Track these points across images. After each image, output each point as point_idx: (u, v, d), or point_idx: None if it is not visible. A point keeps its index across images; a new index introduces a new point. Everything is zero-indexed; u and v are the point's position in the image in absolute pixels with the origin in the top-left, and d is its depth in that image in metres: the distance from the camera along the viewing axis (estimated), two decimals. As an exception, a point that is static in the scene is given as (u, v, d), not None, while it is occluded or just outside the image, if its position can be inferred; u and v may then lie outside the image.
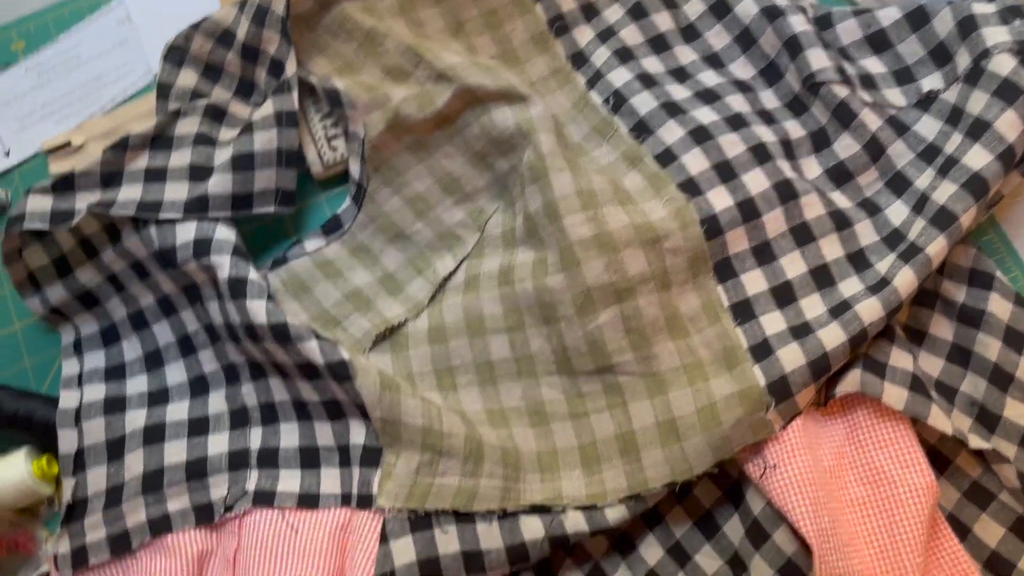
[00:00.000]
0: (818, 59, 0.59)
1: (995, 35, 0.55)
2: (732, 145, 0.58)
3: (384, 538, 0.53)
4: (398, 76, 0.63)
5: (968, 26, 0.57)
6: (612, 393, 0.56)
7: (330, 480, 0.57)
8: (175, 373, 0.62)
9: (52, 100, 0.70)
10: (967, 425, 0.55)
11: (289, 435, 0.58)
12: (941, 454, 0.55)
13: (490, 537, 0.53)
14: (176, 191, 0.60)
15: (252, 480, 0.57)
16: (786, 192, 0.57)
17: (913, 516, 0.51)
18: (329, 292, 0.61)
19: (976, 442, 0.52)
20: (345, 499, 0.56)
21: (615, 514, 0.53)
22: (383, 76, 0.64)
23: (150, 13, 0.71)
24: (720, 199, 0.56)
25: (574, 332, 0.55)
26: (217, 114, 0.64)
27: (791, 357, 0.53)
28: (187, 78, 0.65)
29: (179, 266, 0.58)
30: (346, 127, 0.63)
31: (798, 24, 0.60)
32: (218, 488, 0.57)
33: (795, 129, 0.60)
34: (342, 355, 0.54)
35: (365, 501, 0.55)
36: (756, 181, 0.57)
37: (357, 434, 0.57)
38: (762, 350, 0.54)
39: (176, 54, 0.65)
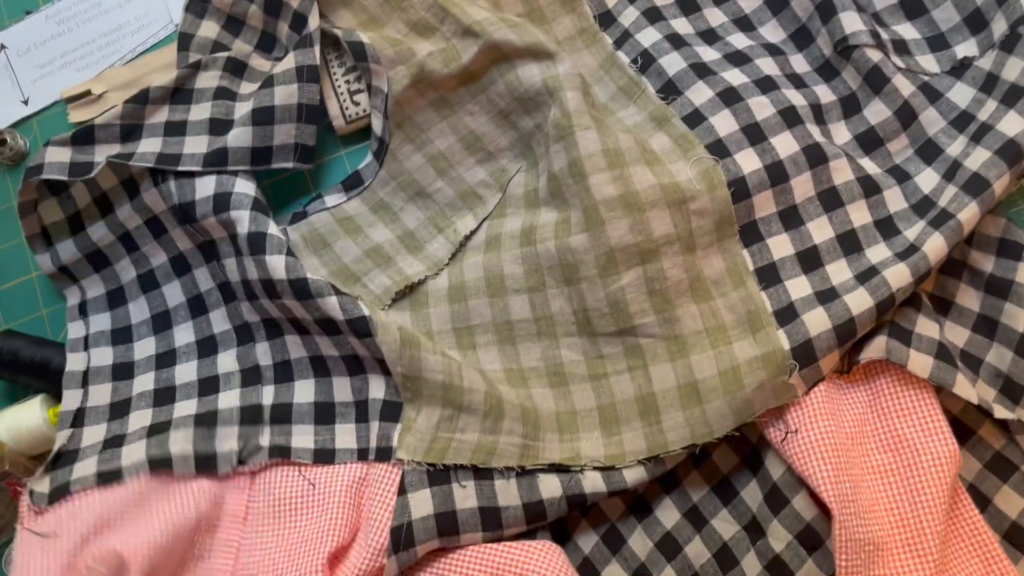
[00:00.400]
0: (851, 22, 0.57)
1: None
2: (762, 107, 0.56)
3: (402, 490, 0.52)
4: (423, 31, 0.62)
5: None
6: (633, 355, 0.55)
7: (345, 435, 0.56)
8: (183, 334, 0.61)
9: (72, 49, 0.69)
10: (992, 396, 0.54)
11: (304, 391, 0.58)
12: (964, 424, 0.54)
13: (508, 494, 0.52)
14: (196, 144, 0.59)
15: (265, 436, 0.56)
16: (815, 156, 0.55)
17: (935, 484, 0.50)
18: (349, 248, 0.60)
19: (1001, 412, 0.51)
20: (362, 454, 0.55)
21: (633, 475, 0.53)
22: (408, 31, 0.62)
23: None
24: (748, 161, 0.55)
25: (596, 293, 0.54)
26: (238, 68, 0.62)
27: (816, 322, 0.51)
28: (208, 29, 0.63)
29: (198, 220, 0.57)
30: (369, 81, 0.61)
31: None
32: (226, 441, 0.56)
33: (825, 94, 0.58)
34: (362, 311, 0.53)
35: (384, 454, 0.54)
36: (785, 144, 0.55)
37: (377, 389, 0.56)
38: (787, 314, 0.53)
39: (198, 5, 0.63)
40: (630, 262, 0.54)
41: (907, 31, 0.60)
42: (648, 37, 0.61)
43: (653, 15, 0.62)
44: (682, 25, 0.62)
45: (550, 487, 0.52)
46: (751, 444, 0.55)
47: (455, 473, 0.53)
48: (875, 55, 0.56)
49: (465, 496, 0.52)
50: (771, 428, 0.52)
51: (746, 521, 0.53)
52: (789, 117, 0.56)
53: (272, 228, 0.56)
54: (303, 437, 0.56)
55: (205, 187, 0.57)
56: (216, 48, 0.63)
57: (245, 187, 0.57)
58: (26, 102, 0.69)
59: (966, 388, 0.50)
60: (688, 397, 0.53)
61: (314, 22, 0.61)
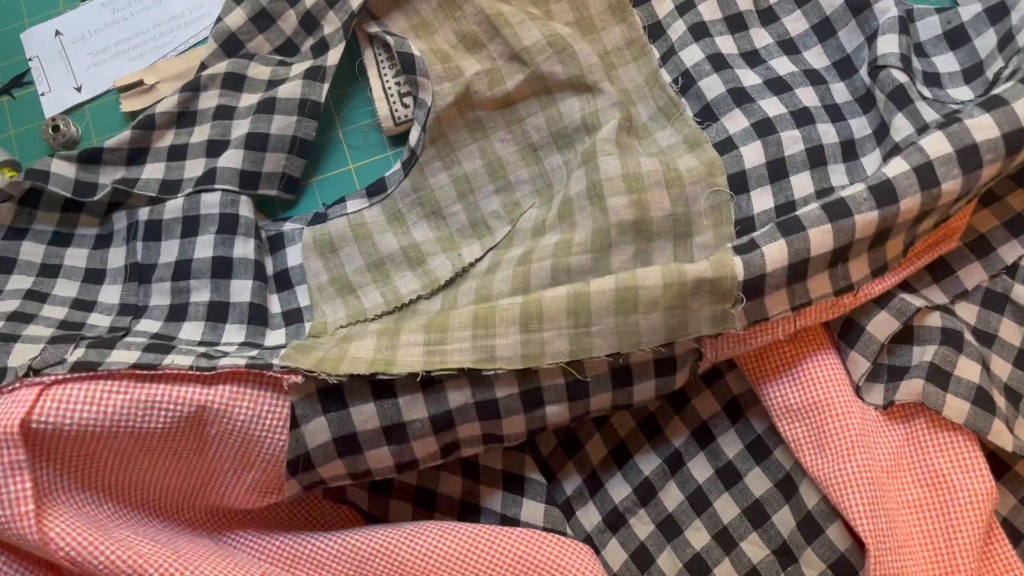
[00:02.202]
0: (887, 44, 0.54)
1: None
2: (792, 143, 0.53)
3: (295, 423, 0.45)
4: (471, 45, 0.59)
5: None
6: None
7: (191, 330, 0.53)
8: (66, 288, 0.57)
9: (126, 38, 0.67)
10: None
11: (191, 330, 0.54)
12: (1000, 459, 0.51)
13: (412, 407, 0.46)
14: (194, 168, 0.58)
15: (77, 353, 0.46)
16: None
17: (971, 520, 0.48)
18: (354, 256, 0.58)
19: None
20: (199, 366, 0.46)
21: (549, 379, 0.47)
22: (457, 41, 0.60)
23: None
24: (761, 200, 0.53)
25: None
26: (236, 82, 0.60)
27: (775, 255, 0.47)
28: (235, 18, 0.61)
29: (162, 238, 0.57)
30: (415, 93, 0.59)
31: (884, 12, 0.55)
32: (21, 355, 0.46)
33: (861, 127, 0.55)
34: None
35: (255, 366, 0.46)
36: (801, 185, 0.53)
37: (241, 292, 0.55)
38: (748, 246, 0.48)
39: None
40: None
41: (947, 63, 0.56)
42: (691, 56, 0.58)
43: (699, 31, 0.59)
44: (727, 44, 0.59)
45: (458, 395, 0.46)
46: (784, 469, 0.53)
47: (351, 394, 0.45)
48: (901, 76, 0.53)
49: (365, 419, 0.45)
50: (803, 452, 0.50)
51: (776, 546, 0.51)
52: (815, 156, 0.53)
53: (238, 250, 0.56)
54: (128, 353, 0.47)
55: (174, 207, 0.56)
56: (232, 42, 0.61)
57: (215, 203, 0.56)
58: (79, 89, 0.67)
59: (1002, 435, 0.48)
60: (625, 303, 0.47)
61: (334, 57, 0.60)
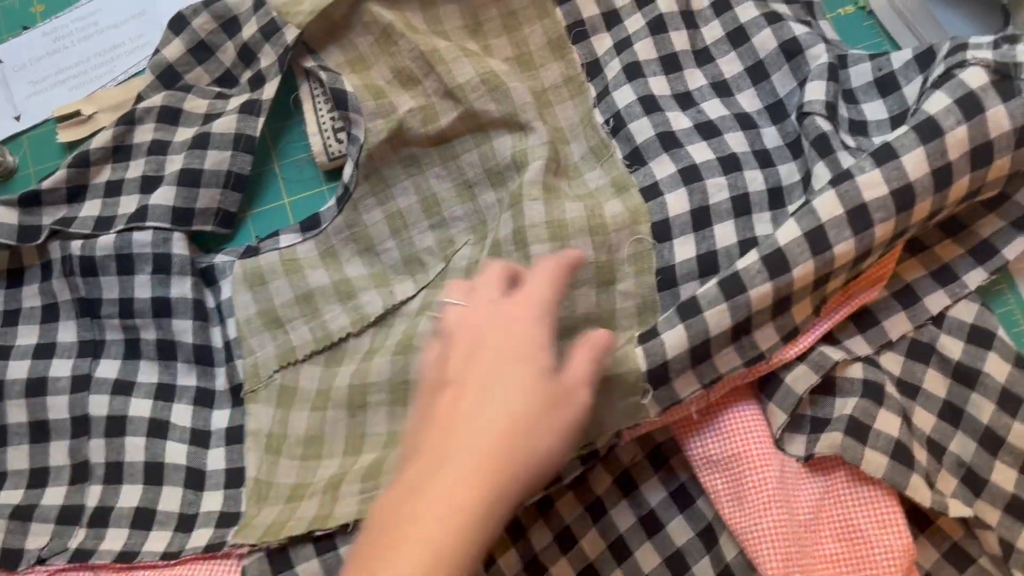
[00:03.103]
0: (813, 91, 0.52)
1: (978, 51, 0.48)
2: (718, 190, 0.52)
3: None
4: (407, 81, 0.58)
5: (959, 47, 0.50)
6: None
7: (156, 541, 0.51)
8: (16, 413, 0.54)
9: (67, 67, 0.65)
10: (953, 486, 0.50)
11: (130, 496, 0.53)
12: (923, 513, 0.50)
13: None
14: (128, 204, 0.57)
15: (77, 538, 0.51)
16: (749, 249, 0.50)
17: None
18: (283, 290, 0.56)
19: (957, 510, 0.47)
20: (167, 556, 0.50)
21: None
22: (392, 76, 0.58)
23: None
24: (684, 249, 0.51)
25: None
26: (172, 115, 0.59)
27: (674, 341, 0.46)
28: (173, 50, 0.60)
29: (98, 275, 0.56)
30: (348, 129, 0.57)
31: (815, 58, 0.54)
32: (37, 538, 0.51)
33: (790, 173, 0.54)
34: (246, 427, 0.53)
35: (215, 549, 0.50)
36: (724, 234, 0.51)
37: (212, 503, 0.52)
38: (650, 334, 0.47)
39: (178, 23, 0.60)
40: None
41: (876, 110, 0.55)
42: (623, 97, 0.56)
43: (633, 71, 0.57)
44: (660, 84, 0.57)
45: None
46: (707, 519, 0.51)
47: (295, 554, 0.47)
48: (825, 125, 0.51)
49: (312, 574, 0.47)
50: (722, 504, 0.49)
51: None
52: (740, 205, 0.52)
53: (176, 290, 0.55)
54: (114, 541, 0.51)
55: (105, 244, 0.55)
56: (169, 73, 0.60)
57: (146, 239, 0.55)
58: (18, 118, 0.65)
59: (920, 491, 0.46)
60: None
61: (270, 91, 0.58)
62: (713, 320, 0.46)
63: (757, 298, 0.46)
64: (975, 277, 0.52)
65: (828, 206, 0.46)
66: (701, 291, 0.47)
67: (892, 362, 0.52)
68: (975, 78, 0.47)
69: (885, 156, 0.46)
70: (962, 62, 0.48)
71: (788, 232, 0.46)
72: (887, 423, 0.48)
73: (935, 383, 0.52)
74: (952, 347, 0.51)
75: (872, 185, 0.46)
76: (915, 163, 0.46)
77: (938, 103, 0.46)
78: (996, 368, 0.50)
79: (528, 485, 0.37)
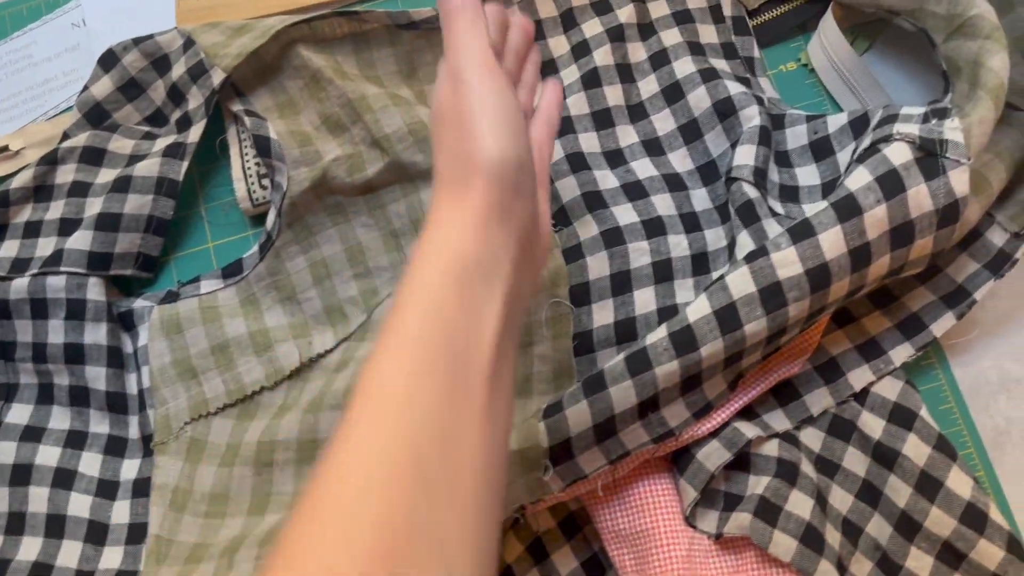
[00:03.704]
0: (742, 155, 0.51)
1: (906, 125, 0.46)
2: (640, 255, 0.50)
3: None
4: (334, 128, 0.56)
5: (889, 118, 0.48)
6: None
7: None
8: None
9: None
10: (867, 569, 0.48)
11: (29, 549, 0.51)
12: None
13: None
14: (45, 247, 0.54)
15: None
16: (668, 316, 0.49)
17: None
18: (199, 339, 0.54)
19: None
20: None
21: None
22: (321, 122, 0.56)
23: (105, 20, 0.63)
24: (602, 314, 0.49)
25: None
26: (95, 156, 0.57)
27: (578, 419, 0.45)
28: (101, 87, 0.58)
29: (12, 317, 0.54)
30: (272, 176, 0.55)
31: (748, 119, 0.52)
32: None
33: (716, 238, 0.52)
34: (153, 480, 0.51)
35: None
36: (644, 300, 0.49)
37: (111, 560, 0.50)
38: (553, 408, 0.46)
39: (109, 60, 0.58)
40: None
41: (809, 175, 0.53)
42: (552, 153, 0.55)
43: (564, 126, 0.55)
44: (590, 141, 0.55)
45: None
46: None
47: None
48: (751, 191, 0.49)
49: None
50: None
51: None
52: (661, 270, 0.50)
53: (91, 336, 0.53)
54: None
55: (19, 287, 0.53)
56: (97, 111, 0.58)
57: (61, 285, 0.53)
58: None
59: None
60: None
61: (195, 134, 0.57)
62: (618, 396, 0.44)
63: (663, 376, 0.44)
64: (901, 353, 0.50)
65: (740, 283, 0.44)
66: (608, 366, 0.45)
67: (812, 438, 0.50)
68: (899, 154, 0.45)
69: (802, 233, 0.44)
70: (888, 136, 0.46)
71: (698, 309, 0.44)
72: (798, 505, 0.46)
73: (855, 462, 0.50)
74: (874, 425, 0.49)
75: (787, 263, 0.44)
76: (832, 242, 0.44)
77: (859, 179, 0.44)
78: (915, 450, 0.48)
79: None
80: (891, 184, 0.44)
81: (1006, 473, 0.51)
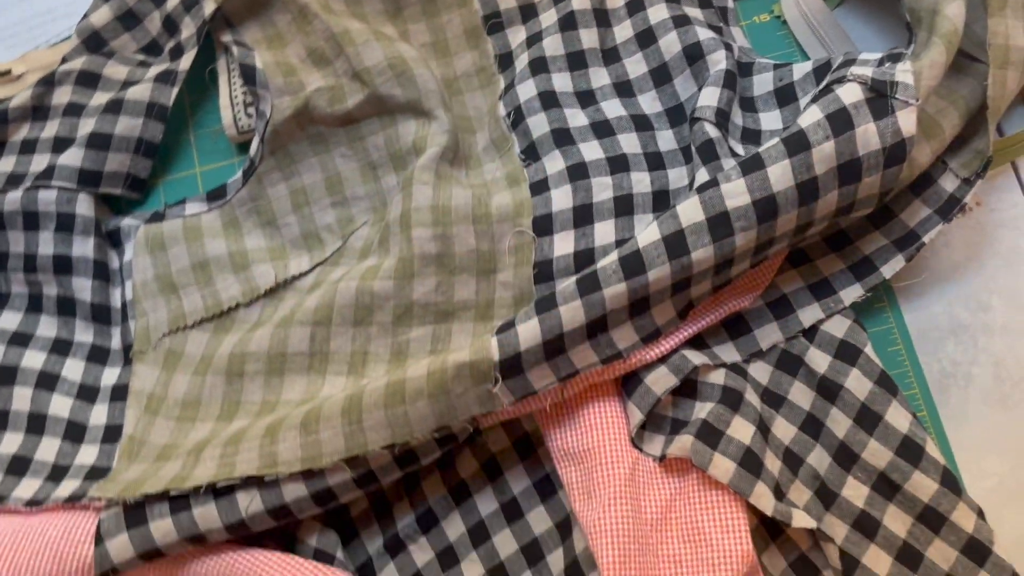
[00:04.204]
0: (706, 97, 0.51)
1: (860, 68, 0.46)
2: (602, 189, 0.51)
3: (99, 539, 0.47)
4: (319, 60, 0.57)
5: (847, 63, 0.48)
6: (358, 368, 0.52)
7: (26, 489, 0.51)
8: None
9: (2, 27, 0.66)
10: (806, 498, 0.49)
11: (10, 443, 0.53)
12: (776, 522, 0.49)
13: (207, 518, 0.46)
14: (39, 163, 0.56)
15: None
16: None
17: None
18: (181, 256, 0.55)
19: (801, 520, 0.45)
20: (31, 503, 0.50)
21: (335, 477, 0.47)
22: (306, 55, 0.57)
23: None
24: (563, 244, 0.50)
25: (383, 339, 0.50)
26: (90, 79, 0.58)
27: (528, 335, 0.46)
28: (100, 16, 0.59)
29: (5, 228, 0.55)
30: (256, 104, 0.57)
31: (715, 64, 0.53)
32: None
33: (679, 177, 0.52)
34: (131, 386, 0.53)
35: (75, 499, 0.49)
36: (603, 232, 0.50)
37: (87, 455, 0.52)
38: (506, 326, 0.47)
39: None
40: (425, 319, 0.50)
41: (772, 120, 0.53)
42: (525, 91, 0.55)
43: (538, 65, 0.56)
44: (563, 81, 0.56)
45: (246, 501, 0.46)
46: (566, 511, 0.51)
47: (151, 510, 0.46)
48: (712, 131, 0.50)
49: (165, 532, 0.46)
50: (574, 497, 0.48)
51: None
52: (622, 205, 0.51)
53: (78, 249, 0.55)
54: None
55: (12, 200, 0.55)
56: (95, 39, 0.59)
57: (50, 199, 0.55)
58: None
59: (763, 499, 0.45)
60: (392, 396, 0.46)
61: (186, 63, 0.58)
62: (567, 315, 0.45)
63: (611, 297, 0.45)
64: (851, 293, 0.51)
65: (690, 212, 0.45)
66: (560, 287, 0.46)
67: (761, 371, 0.51)
68: (850, 94, 0.45)
69: (751, 166, 0.45)
70: (842, 78, 0.46)
71: (648, 235, 0.45)
72: (739, 430, 0.47)
73: (800, 395, 0.51)
74: (820, 360, 0.50)
75: (735, 194, 0.45)
76: (779, 175, 0.45)
77: (810, 117, 0.45)
78: (857, 385, 0.49)
79: None
80: (840, 122, 0.45)
81: (949, 415, 0.52)
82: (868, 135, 0.45)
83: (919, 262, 0.53)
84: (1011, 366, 0.52)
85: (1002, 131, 0.56)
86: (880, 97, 0.45)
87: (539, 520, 0.51)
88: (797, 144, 0.45)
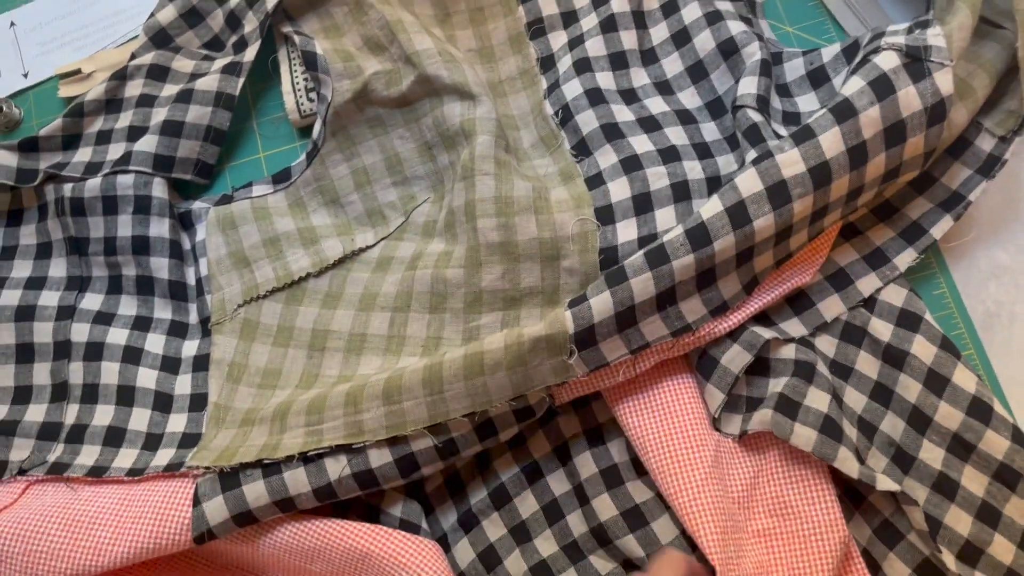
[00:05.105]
0: (746, 86, 0.46)
1: (893, 38, 0.42)
2: (657, 178, 0.45)
3: (196, 501, 0.41)
4: (374, 48, 0.52)
5: (877, 36, 0.43)
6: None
7: (124, 458, 0.45)
8: (4, 335, 0.49)
9: (73, 30, 0.59)
10: (883, 464, 0.42)
11: (103, 415, 0.47)
12: (857, 491, 0.42)
13: (297, 482, 0.41)
14: (116, 151, 0.51)
15: (55, 452, 0.46)
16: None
17: (818, 550, 0.38)
18: (252, 233, 0.49)
19: (885, 483, 0.39)
20: (132, 472, 0.44)
21: (418, 444, 0.41)
22: (363, 44, 0.52)
23: None
24: (627, 231, 0.44)
25: (456, 325, 0.45)
26: (160, 73, 0.53)
27: (601, 307, 0.40)
28: (166, 14, 0.53)
29: (86, 215, 0.49)
30: (318, 88, 0.51)
31: (750, 56, 0.47)
32: (20, 451, 0.46)
33: (728, 163, 0.47)
34: (212, 355, 0.47)
35: (173, 468, 0.44)
36: (665, 218, 0.44)
37: (176, 424, 0.46)
38: (580, 298, 0.41)
39: None
40: (494, 305, 0.44)
41: (808, 102, 0.48)
42: (571, 90, 0.49)
43: (582, 66, 0.50)
44: (607, 80, 0.50)
45: (336, 468, 0.41)
46: (633, 501, 0.42)
47: (244, 474, 0.42)
48: (756, 116, 0.45)
49: (257, 495, 0.41)
50: (661, 482, 0.39)
51: (621, 560, 0.40)
52: (679, 191, 0.45)
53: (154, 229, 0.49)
54: (87, 456, 0.46)
55: (92, 186, 0.49)
56: (161, 36, 0.53)
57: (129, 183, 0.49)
58: (26, 75, 0.59)
59: (848, 462, 0.39)
60: (472, 368, 0.41)
61: (251, 54, 0.51)
62: (638, 287, 0.40)
63: (680, 268, 0.40)
64: (905, 258, 0.46)
65: (748, 183, 0.40)
66: (628, 261, 0.41)
67: (827, 344, 0.45)
68: (887, 61, 0.41)
69: (803, 136, 0.41)
70: (877, 48, 0.42)
71: (711, 207, 0.41)
72: (816, 400, 0.40)
73: (866, 364, 0.44)
74: (883, 330, 0.44)
75: (791, 163, 0.40)
76: (831, 142, 0.40)
77: (853, 86, 0.41)
78: (922, 350, 0.43)
79: None
80: (882, 87, 0.40)
81: (996, 352, 0.46)
82: (910, 97, 0.40)
83: (964, 222, 0.47)
84: (1052, 302, 0.48)
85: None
86: (916, 62, 0.41)
87: (605, 507, 0.43)
88: (844, 112, 0.41)
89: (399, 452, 0.41)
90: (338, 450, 0.41)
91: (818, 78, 0.48)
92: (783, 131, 0.46)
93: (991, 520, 0.40)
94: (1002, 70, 0.45)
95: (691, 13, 0.50)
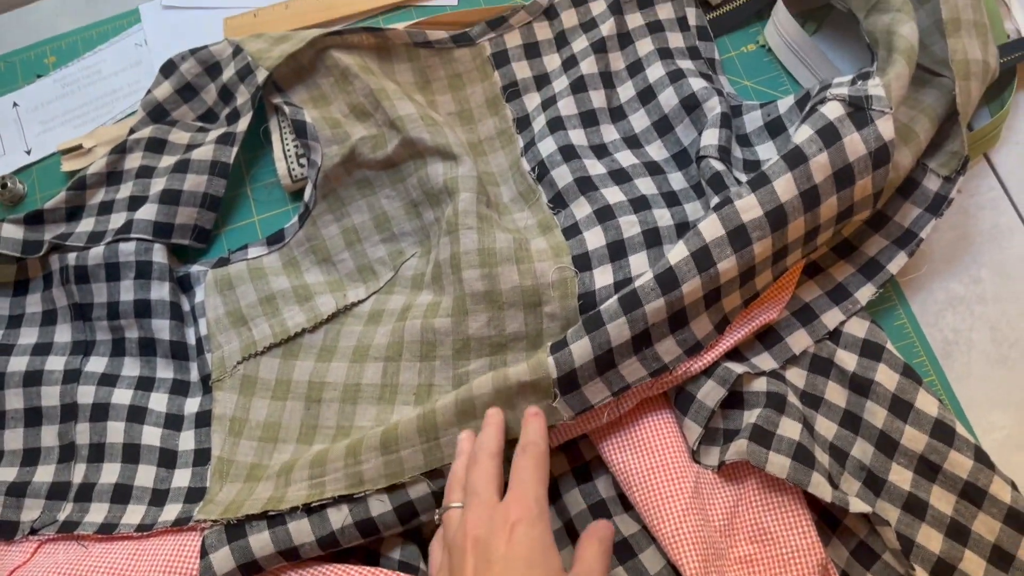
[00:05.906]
0: (708, 137, 0.48)
1: (837, 89, 0.44)
2: (630, 226, 0.47)
3: (204, 552, 0.42)
4: (360, 115, 0.53)
5: (824, 87, 0.45)
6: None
7: (133, 514, 0.46)
8: (13, 400, 0.49)
9: (73, 108, 0.60)
10: (856, 488, 0.43)
11: (110, 473, 0.47)
12: (832, 514, 0.43)
13: (301, 532, 0.42)
14: (117, 221, 0.52)
15: (65, 511, 0.46)
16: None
17: (797, 574, 0.39)
18: (248, 292, 0.50)
19: (858, 506, 0.40)
20: (141, 528, 0.45)
21: (416, 491, 0.41)
22: (349, 111, 0.53)
23: (163, 39, 0.60)
24: (603, 277, 0.45)
25: (445, 372, 0.45)
26: (158, 145, 0.54)
27: (580, 352, 0.41)
28: (163, 91, 0.55)
29: (89, 281, 0.50)
30: (308, 154, 0.52)
31: (711, 109, 0.49)
32: (30, 511, 0.46)
33: (695, 211, 0.48)
34: (213, 411, 0.47)
35: (181, 523, 0.44)
36: (638, 263, 0.45)
37: (181, 479, 0.47)
38: (560, 344, 0.42)
39: (169, 67, 0.55)
40: (481, 351, 0.45)
41: (767, 150, 0.50)
42: (546, 147, 0.51)
43: (556, 124, 0.52)
44: (579, 136, 0.52)
45: (338, 517, 0.42)
46: (622, 535, 0.43)
47: (250, 526, 0.42)
48: (718, 165, 0.47)
49: (263, 546, 0.41)
50: (645, 515, 0.40)
51: None
52: (651, 238, 0.46)
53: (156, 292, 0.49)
54: (96, 514, 0.46)
55: (96, 254, 0.50)
56: (158, 110, 0.55)
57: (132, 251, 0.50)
58: (29, 152, 0.60)
59: (821, 487, 0.40)
60: (464, 413, 0.42)
61: (243, 124, 0.53)
62: (614, 332, 0.41)
63: (652, 311, 0.41)
64: (866, 292, 0.46)
65: (711, 228, 0.42)
66: (604, 306, 0.42)
67: (797, 376, 0.46)
68: (833, 111, 0.43)
69: (759, 182, 0.42)
70: (823, 99, 0.44)
71: (677, 253, 0.42)
72: (788, 429, 0.41)
73: (835, 394, 0.45)
74: (848, 360, 0.45)
75: (749, 208, 0.41)
76: (784, 187, 0.42)
77: (803, 134, 0.43)
78: (886, 378, 0.44)
79: None
80: (829, 134, 0.42)
81: (956, 377, 0.47)
82: (855, 143, 0.42)
83: (919, 257, 0.49)
84: (1006, 329, 0.48)
85: (971, 127, 0.53)
86: (859, 110, 0.43)
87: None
88: (796, 158, 0.42)
89: (398, 500, 0.41)
90: (340, 500, 0.42)
91: (775, 128, 0.49)
92: (743, 178, 0.47)
93: (960, 537, 0.41)
94: (943, 115, 0.47)
95: (655, 72, 0.52)
